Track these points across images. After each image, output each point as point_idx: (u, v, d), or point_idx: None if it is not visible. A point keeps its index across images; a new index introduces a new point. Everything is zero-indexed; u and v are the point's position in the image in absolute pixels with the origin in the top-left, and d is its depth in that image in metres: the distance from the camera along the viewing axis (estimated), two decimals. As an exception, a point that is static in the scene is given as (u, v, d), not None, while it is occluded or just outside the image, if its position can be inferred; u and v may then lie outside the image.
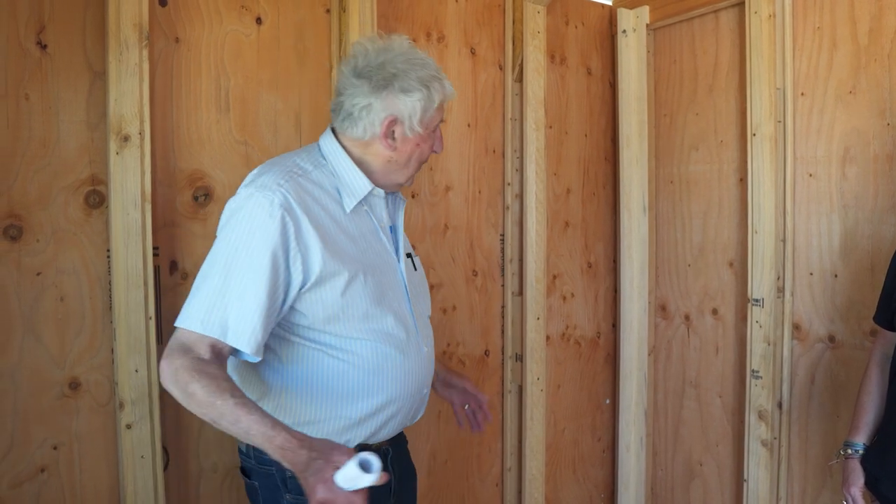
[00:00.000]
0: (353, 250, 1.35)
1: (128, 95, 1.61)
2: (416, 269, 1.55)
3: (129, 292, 1.64)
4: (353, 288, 1.33)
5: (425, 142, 1.41)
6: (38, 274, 1.61)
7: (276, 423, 1.17)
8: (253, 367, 1.39)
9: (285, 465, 1.16)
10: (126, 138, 1.62)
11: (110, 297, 1.66)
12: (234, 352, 1.27)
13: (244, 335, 1.23)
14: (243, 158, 1.85)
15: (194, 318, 1.22)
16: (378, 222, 1.44)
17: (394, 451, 1.51)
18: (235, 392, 1.19)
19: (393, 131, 1.37)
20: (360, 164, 1.40)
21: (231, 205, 1.31)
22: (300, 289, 1.29)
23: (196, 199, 1.80)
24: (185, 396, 1.18)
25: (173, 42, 1.75)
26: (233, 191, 1.80)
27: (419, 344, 1.46)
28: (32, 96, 1.59)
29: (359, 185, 1.39)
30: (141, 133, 1.63)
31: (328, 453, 1.14)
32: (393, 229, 1.50)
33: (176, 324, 1.25)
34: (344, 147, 1.40)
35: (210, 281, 1.24)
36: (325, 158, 1.40)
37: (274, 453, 1.16)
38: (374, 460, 1.12)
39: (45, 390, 1.62)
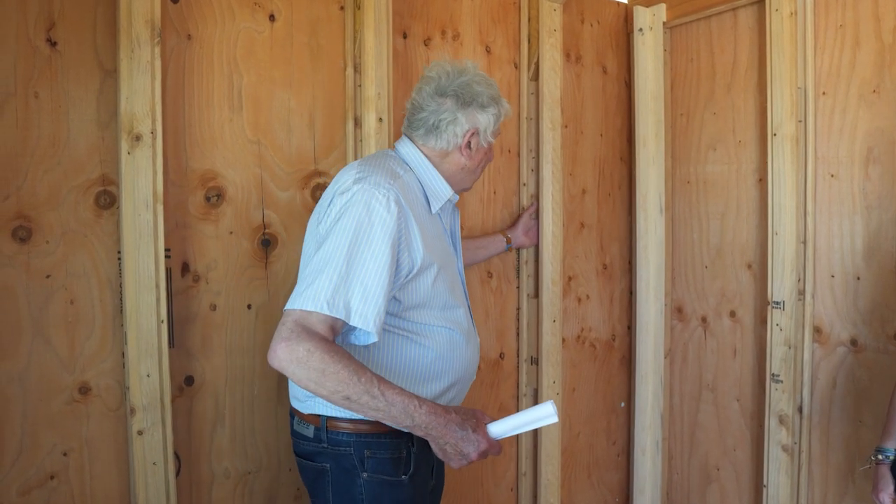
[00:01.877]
0: (436, 246, 1.50)
1: (139, 93, 1.58)
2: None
3: (141, 295, 1.60)
4: (439, 279, 1.48)
5: (490, 151, 1.61)
6: (48, 276, 1.57)
7: (417, 395, 1.34)
8: None
9: (427, 432, 1.33)
10: (138, 137, 1.58)
11: (121, 300, 1.63)
12: (347, 333, 1.40)
13: (370, 316, 1.32)
14: (256, 158, 1.82)
15: (321, 300, 1.29)
16: (445, 225, 1.61)
17: None
18: (370, 370, 1.31)
19: (470, 142, 1.54)
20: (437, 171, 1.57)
21: (344, 199, 1.38)
22: (406, 276, 1.42)
23: (208, 199, 1.76)
24: (320, 376, 1.26)
25: (185, 39, 1.72)
26: (246, 191, 1.81)
27: (474, 333, 1.63)
28: (42, 94, 1.56)
29: (443, 190, 1.56)
30: (153, 132, 1.60)
31: (474, 414, 1.39)
32: (452, 233, 1.66)
33: (290, 307, 1.31)
34: (426, 156, 1.55)
35: (332, 266, 1.31)
36: (408, 165, 1.54)
37: (419, 420, 1.31)
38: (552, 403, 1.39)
39: (54, 395, 1.59)
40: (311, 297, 1.29)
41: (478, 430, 1.37)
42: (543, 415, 1.37)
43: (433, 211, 1.53)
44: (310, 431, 1.49)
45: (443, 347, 1.51)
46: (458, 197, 1.63)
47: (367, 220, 1.34)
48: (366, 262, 1.32)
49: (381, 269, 1.33)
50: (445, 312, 1.51)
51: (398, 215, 1.37)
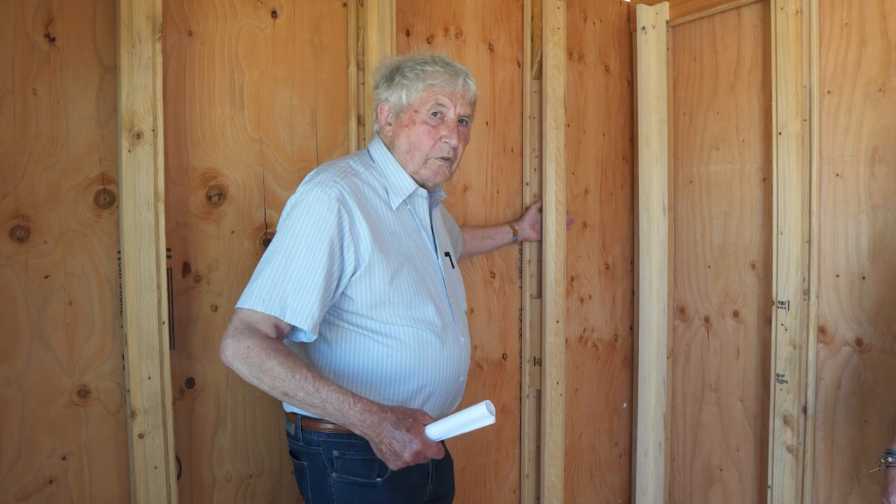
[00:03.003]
0: (398, 244, 1.47)
1: (140, 90, 1.55)
2: (453, 267, 1.66)
3: (141, 296, 1.58)
4: (400, 278, 1.45)
5: (414, 125, 1.49)
6: (46, 277, 1.54)
7: (354, 394, 1.32)
8: (302, 350, 1.49)
9: (363, 430, 1.31)
10: (139, 135, 1.55)
11: (121, 301, 1.60)
12: (292, 331, 1.40)
13: (302, 313, 1.33)
14: (258, 157, 1.79)
15: (256, 298, 1.33)
16: (420, 221, 1.56)
17: None
18: (311, 367, 1.33)
19: (386, 116, 1.54)
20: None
21: (292, 199, 1.42)
22: (351, 275, 1.41)
23: (209, 198, 1.73)
24: (259, 372, 1.29)
25: (186, 35, 1.69)
26: (247, 191, 1.78)
27: (457, 334, 1.56)
28: (40, 91, 1.53)
29: (404, 184, 1.52)
30: (154, 130, 1.57)
31: (413, 414, 1.34)
32: (433, 228, 1.60)
33: (237, 305, 1.35)
34: (388, 149, 1.54)
35: (272, 265, 1.35)
36: (373, 161, 1.54)
37: (353, 419, 1.30)
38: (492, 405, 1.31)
39: (53, 398, 1.56)
40: (250, 295, 1.34)
41: (412, 430, 1.32)
42: (478, 416, 1.31)
43: (394, 206, 1.49)
44: (292, 429, 1.51)
45: (410, 347, 1.46)
46: (426, 192, 1.55)
47: (307, 219, 1.36)
48: (303, 260, 1.34)
49: (317, 267, 1.34)
50: (411, 311, 1.46)
51: (339, 213, 1.37)
